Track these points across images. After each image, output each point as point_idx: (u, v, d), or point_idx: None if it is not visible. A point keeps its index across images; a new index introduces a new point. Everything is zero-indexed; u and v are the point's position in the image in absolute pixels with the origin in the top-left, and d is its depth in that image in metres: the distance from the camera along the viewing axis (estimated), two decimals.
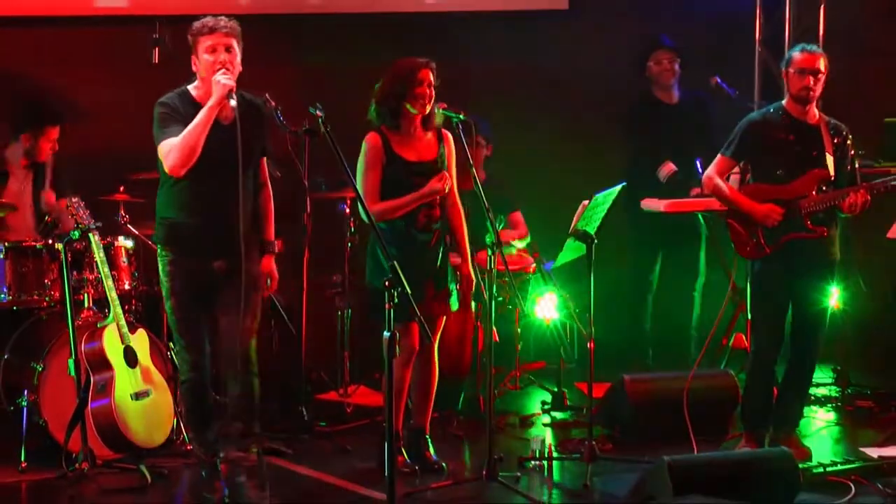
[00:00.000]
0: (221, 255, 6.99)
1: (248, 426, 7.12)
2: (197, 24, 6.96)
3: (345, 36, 9.87)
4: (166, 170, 6.91)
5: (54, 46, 9.49)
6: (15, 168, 8.85)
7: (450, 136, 7.68)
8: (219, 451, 7.16)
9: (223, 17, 6.97)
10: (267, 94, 8.37)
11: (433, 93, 7.55)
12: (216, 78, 6.82)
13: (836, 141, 7.79)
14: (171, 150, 6.84)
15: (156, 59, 9.26)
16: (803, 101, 7.75)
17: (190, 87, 7.03)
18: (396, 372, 7.47)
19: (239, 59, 6.96)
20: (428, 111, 7.57)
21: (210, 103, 6.82)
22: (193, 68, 6.99)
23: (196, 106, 6.90)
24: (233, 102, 6.79)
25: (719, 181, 7.88)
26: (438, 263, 7.66)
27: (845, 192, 7.66)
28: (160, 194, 7.12)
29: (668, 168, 9.59)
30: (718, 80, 9.69)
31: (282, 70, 9.61)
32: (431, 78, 7.54)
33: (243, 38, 6.98)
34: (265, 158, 7.25)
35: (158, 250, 7.12)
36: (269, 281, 7.23)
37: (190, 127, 6.80)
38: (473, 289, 7.81)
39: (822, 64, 7.72)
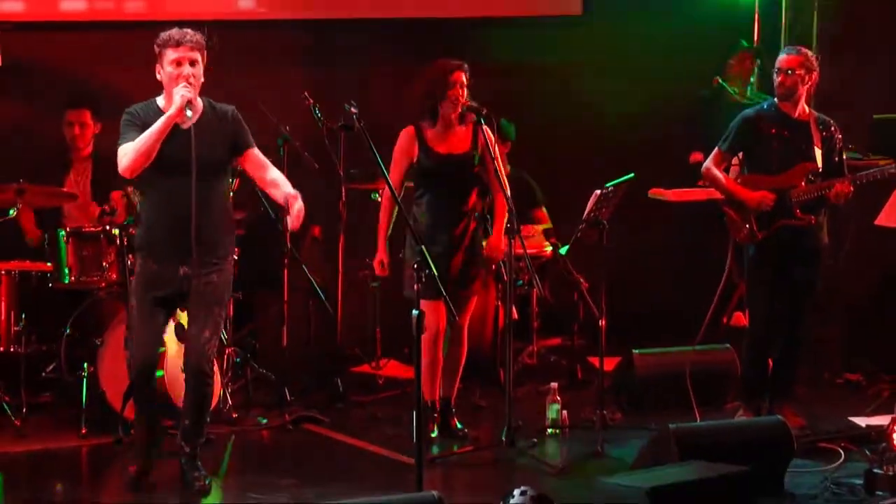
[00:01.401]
0: (185, 262, 6.70)
1: (196, 426, 6.89)
2: (164, 36, 6.65)
3: (368, 41, 9.85)
4: (119, 171, 6.68)
5: (112, 48, 9.51)
6: (76, 160, 8.91)
7: (485, 127, 7.62)
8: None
9: (189, 31, 6.66)
10: (306, 92, 8.41)
11: (466, 92, 7.57)
12: (176, 90, 6.56)
13: (823, 135, 7.81)
14: (126, 153, 6.60)
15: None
16: (783, 98, 7.79)
17: (158, 99, 6.78)
18: (428, 348, 7.52)
19: (202, 70, 6.68)
20: (462, 109, 7.59)
21: (169, 112, 6.56)
22: (158, 78, 6.71)
23: (160, 115, 6.64)
24: (189, 113, 6.55)
25: (716, 172, 7.91)
26: (470, 247, 7.70)
27: (830, 183, 7.69)
28: None
29: (697, 156, 9.50)
30: (720, 81, 9.68)
31: (312, 72, 9.61)
32: (464, 79, 7.57)
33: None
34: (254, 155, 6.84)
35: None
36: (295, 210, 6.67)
37: (146, 133, 6.55)
38: (495, 264, 7.82)
39: (798, 63, 7.74)
